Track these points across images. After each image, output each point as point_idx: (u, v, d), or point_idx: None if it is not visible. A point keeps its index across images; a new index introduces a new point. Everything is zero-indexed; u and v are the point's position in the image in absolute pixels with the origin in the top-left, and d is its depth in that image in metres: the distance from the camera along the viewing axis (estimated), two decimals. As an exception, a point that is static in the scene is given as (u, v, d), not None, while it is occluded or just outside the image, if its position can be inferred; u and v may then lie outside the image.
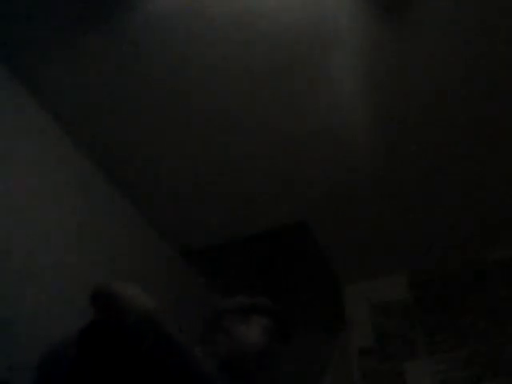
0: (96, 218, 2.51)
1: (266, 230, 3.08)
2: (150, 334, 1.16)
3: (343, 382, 3.14)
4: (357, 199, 2.91)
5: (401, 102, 2.41)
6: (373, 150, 2.64)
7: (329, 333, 3.32)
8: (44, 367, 1.29)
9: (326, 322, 3.46)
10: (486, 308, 3.13)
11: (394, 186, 2.84)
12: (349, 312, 3.47)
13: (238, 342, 1.44)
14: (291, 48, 2.18)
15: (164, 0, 2.01)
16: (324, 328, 3.41)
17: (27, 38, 2.09)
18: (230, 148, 2.60)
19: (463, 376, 3.00)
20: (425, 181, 2.82)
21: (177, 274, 3.10)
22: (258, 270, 3.41)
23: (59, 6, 1.99)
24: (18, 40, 2.10)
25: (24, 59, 2.17)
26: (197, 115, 2.44)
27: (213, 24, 2.08)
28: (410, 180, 2.81)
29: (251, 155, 2.64)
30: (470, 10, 2.07)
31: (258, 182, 2.79)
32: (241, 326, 1.47)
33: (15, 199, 2.06)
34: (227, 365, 1.41)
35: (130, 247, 2.69)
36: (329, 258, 3.34)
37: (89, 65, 2.21)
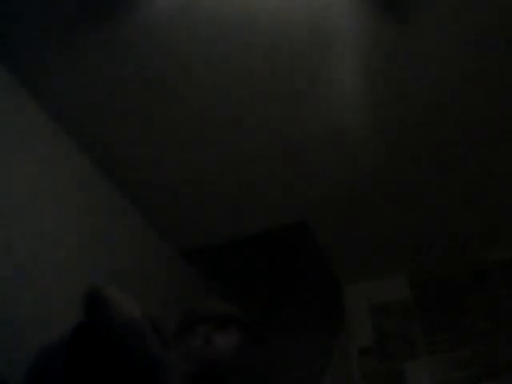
0: (96, 218, 2.51)
1: (266, 229, 3.08)
2: (131, 340, 1.25)
3: (343, 382, 3.14)
4: (357, 199, 2.91)
5: (401, 101, 2.41)
6: (373, 150, 2.64)
7: (329, 333, 3.32)
8: (35, 367, 1.30)
9: (326, 322, 3.46)
10: (486, 308, 3.13)
11: (394, 185, 2.84)
12: (349, 312, 3.47)
13: (216, 349, 1.52)
14: (291, 48, 2.17)
15: (164, 0, 2.01)
16: (324, 328, 3.41)
17: (27, 38, 2.09)
18: (230, 148, 2.60)
19: (463, 376, 3.00)
20: (425, 181, 2.82)
21: (177, 273, 3.10)
22: (258, 270, 3.41)
23: (59, 5, 1.99)
24: (17, 40, 2.09)
25: (24, 59, 2.17)
26: (197, 115, 2.44)
27: (213, 24, 2.08)
28: (409, 180, 2.81)
29: (251, 155, 2.64)
30: (470, 10, 2.07)
31: (258, 182, 2.79)
32: (219, 334, 1.55)
33: (15, 199, 2.06)
34: (200, 368, 1.51)
35: (129, 247, 2.69)
36: (329, 257, 3.34)
37: (89, 65, 2.21)
